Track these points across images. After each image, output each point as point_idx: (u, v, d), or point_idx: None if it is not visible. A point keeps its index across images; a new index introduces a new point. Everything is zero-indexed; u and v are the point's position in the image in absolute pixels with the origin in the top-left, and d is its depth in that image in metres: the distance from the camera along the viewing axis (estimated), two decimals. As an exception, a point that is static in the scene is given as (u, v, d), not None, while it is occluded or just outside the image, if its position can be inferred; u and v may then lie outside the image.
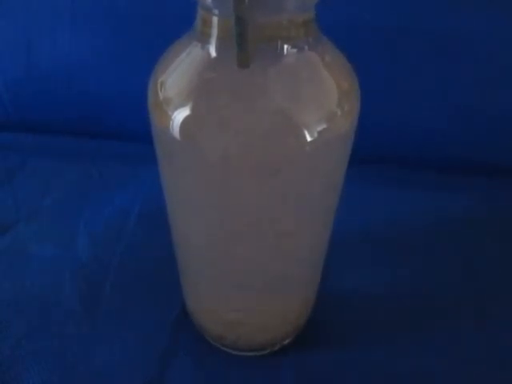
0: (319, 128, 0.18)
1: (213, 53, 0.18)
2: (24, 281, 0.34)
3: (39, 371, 0.29)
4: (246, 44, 0.17)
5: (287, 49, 0.18)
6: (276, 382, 0.29)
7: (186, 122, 0.18)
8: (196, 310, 0.30)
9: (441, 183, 0.43)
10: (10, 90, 0.48)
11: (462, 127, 0.44)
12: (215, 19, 0.18)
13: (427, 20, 0.40)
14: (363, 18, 0.39)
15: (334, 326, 0.32)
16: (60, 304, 0.33)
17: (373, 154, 0.41)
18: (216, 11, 0.17)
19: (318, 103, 0.19)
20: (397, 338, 0.31)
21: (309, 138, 0.18)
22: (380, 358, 0.30)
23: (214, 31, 0.18)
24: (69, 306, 0.32)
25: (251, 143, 0.18)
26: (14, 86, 0.48)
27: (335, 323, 0.32)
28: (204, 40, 0.18)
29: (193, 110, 0.18)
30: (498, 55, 0.41)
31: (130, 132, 0.44)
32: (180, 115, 0.18)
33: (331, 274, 0.32)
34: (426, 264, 0.36)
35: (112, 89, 0.46)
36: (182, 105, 0.19)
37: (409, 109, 0.44)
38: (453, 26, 0.40)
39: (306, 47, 0.19)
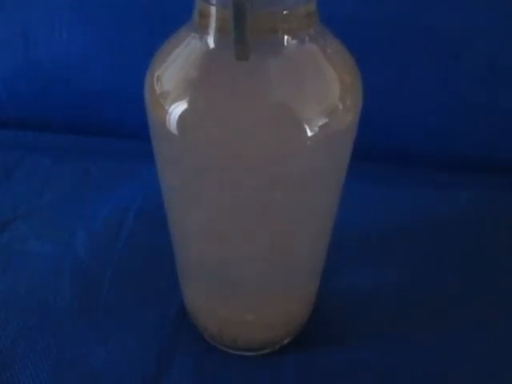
0: (321, 122, 0.18)
1: (211, 45, 0.18)
2: (22, 279, 0.34)
3: (36, 370, 0.29)
4: (244, 36, 0.16)
5: (288, 41, 0.18)
6: (276, 382, 0.29)
7: (183, 116, 0.18)
8: (195, 309, 0.30)
9: (442, 181, 0.43)
10: (7, 87, 0.48)
11: (464, 125, 0.44)
12: (213, 10, 0.17)
13: (432, 15, 0.39)
14: (366, 11, 0.38)
15: (333, 325, 0.31)
16: (58, 302, 0.32)
17: (372, 151, 0.41)
18: (214, 1, 0.17)
19: (320, 97, 0.18)
20: (396, 338, 0.31)
21: (310, 133, 0.18)
22: (380, 358, 0.30)
23: (212, 23, 0.18)
24: (67, 305, 0.32)
25: (250, 138, 0.18)
26: (11, 82, 0.47)
27: (335, 323, 0.32)
28: (202, 32, 0.18)
29: (190, 103, 0.18)
30: (501, 53, 0.40)
31: (130, 128, 0.44)
32: (177, 109, 0.18)
33: (331, 274, 0.31)
34: (426, 263, 0.36)
35: (111, 85, 0.46)
36: (179, 98, 0.18)
37: (409, 106, 0.43)
38: (457, 22, 0.39)
39: (308, 39, 0.18)
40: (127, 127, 0.45)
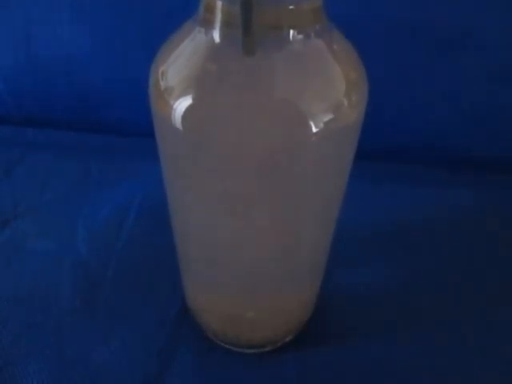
0: (325, 118, 0.18)
1: (217, 40, 0.18)
2: (22, 277, 0.34)
3: (37, 369, 0.28)
4: (251, 31, 0.16)
5: (294, 36, 0.18)
6: (277, 379, 0.29)
7: (188, 111, 0.18)
8: (197, 307, 0.30)
9: (442, 181, 0.43)
10: (9, 84, 0.48)
11: (464, 124, 0.44)
12: (219, 4, 0.17)
13: (433, 15, 0.39)
14: (370, 10, 0.38)
15: (335, 324, 0.31)
16: (58, 300, 0.32)
17: (374, 150, 0.41)
18: (220, -4, 0.17)
19: (325, 93, 0.18)
20: (397, 337, 0.31)
21: (315, 129, 0.18)
22: (380, 357, 0.30)
23: (218, 17, 0.17)
24: (67, 303, 0.32)
25: (255, 133, 0.18)
26: (13, 80, 0.47)
27: (336, 321, 0.32)
28: (208, 26, 0.18)
29: (195, 99, 0.18)
30: (502, 52, 0.40)
31: (131, 127, 0.44)
32: (182, 105, 0.18)
33: (333, 273, 0.31)
34: (427, 263, 0.36)
35: (112, 83, 0.46)
36: (184, 94, 0.18)
37: (410, 105, 0.44)
38: (458, 22, 0.39)
39: (313, 35, 0.18)
40: (128, 125, 0.45)
